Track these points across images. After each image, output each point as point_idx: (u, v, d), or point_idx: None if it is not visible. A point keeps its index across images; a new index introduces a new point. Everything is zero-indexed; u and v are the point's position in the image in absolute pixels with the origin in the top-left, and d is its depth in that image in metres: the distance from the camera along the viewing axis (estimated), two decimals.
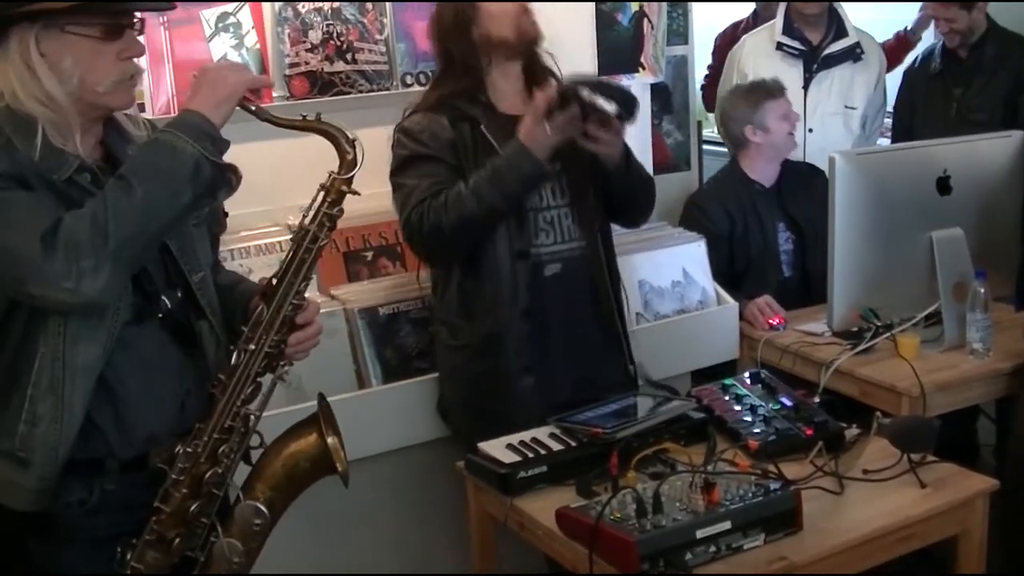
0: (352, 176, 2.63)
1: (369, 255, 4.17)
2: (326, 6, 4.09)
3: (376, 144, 3.57)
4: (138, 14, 2.50)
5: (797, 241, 4.76)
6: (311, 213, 2.63)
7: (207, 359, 2.65)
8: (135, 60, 2.50)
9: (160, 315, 2.55)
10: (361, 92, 4.17)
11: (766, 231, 4.74)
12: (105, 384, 2.46)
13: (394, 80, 4.24)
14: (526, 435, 3.22)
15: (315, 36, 4.07)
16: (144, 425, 2.53)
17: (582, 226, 3.64)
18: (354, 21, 4.15)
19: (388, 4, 4.20)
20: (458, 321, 3.63)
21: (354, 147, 2.62)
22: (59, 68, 2.35)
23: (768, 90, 4.79)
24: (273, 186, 3.99)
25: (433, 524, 4.01)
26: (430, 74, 4.26)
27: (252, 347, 2.58)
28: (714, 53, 6.74)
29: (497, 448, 3.16)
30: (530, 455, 3.12)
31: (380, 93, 4.21)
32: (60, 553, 2.50)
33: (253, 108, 2.58)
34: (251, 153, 3.57)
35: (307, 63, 4.07)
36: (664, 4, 4.92)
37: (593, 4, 4.53)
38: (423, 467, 3.94)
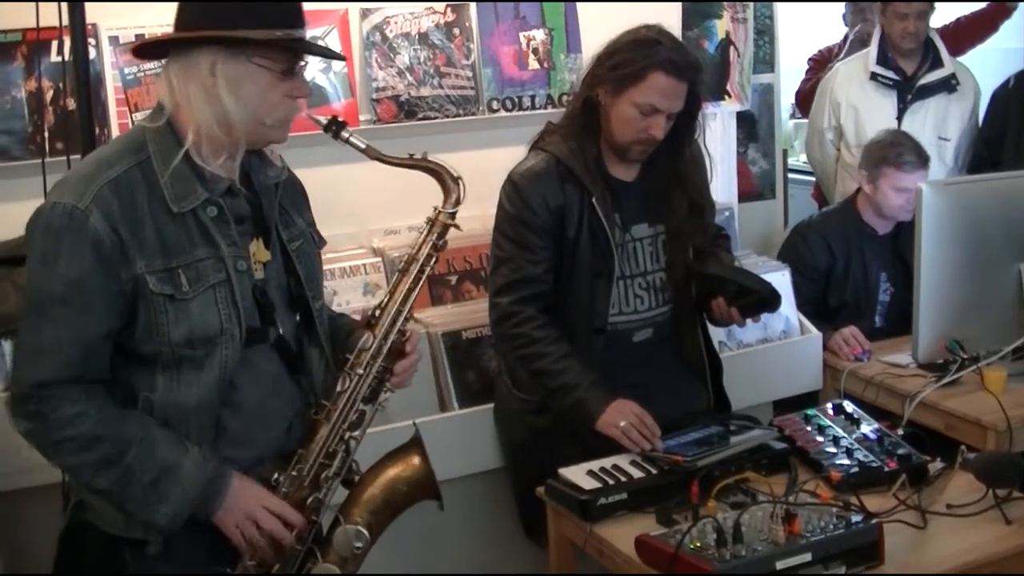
0: (456, 211, 2.73)
1: (453, 279, 4.20)
2: (414, 31, 4.13)
3: (462, 169, 3.58)
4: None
5: (895, 294, 4.69)
6: (418, 244, 2.72)
7: (314, 385, 2.69)
8: (299, 101, 2.56)
9: (271, 341, 2.59)
10: (447, 117, 4.20)
11: (868, 278, 4.69)
12: (208, 404, 2.49)
13: (480, 105, 4.27)
14: (607, 462, 3.23)
15: (402, 61, 4.11)
16: (252, 444, 2.58)
17: (677, 287, 3.61)
18: (441, 46, 4.19)
19: (475, 30, 4.23)
20: (523, 373, 3.60)
21: (458, 184, 2.73)
22: (237, 94, 2.42)
23: (896, 156, 4.60)
24: (359, 209, 4.03)
25: (512, 548, 4.01)
26: (516, 100, 4.29)
27: (360, 372, 2.63)
28: (808, 72, 6.68)
29: (578, 474, 3.16)
30: (610, 482, 3.12)
31: (466, 118, 4.24)
32: (156, 568, 2.53)
33: (363, 146, 2.65)
34: (337, 176, 3.63)
35: (394, 87, 4.11)
36: (751, 32, 4.91)
37: (680, 30, 4.53)
38: (503, 490, 3.94)
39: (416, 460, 2.80)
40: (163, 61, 2.50)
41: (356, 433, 2.66)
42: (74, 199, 2.35)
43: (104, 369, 2.43)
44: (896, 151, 4.61)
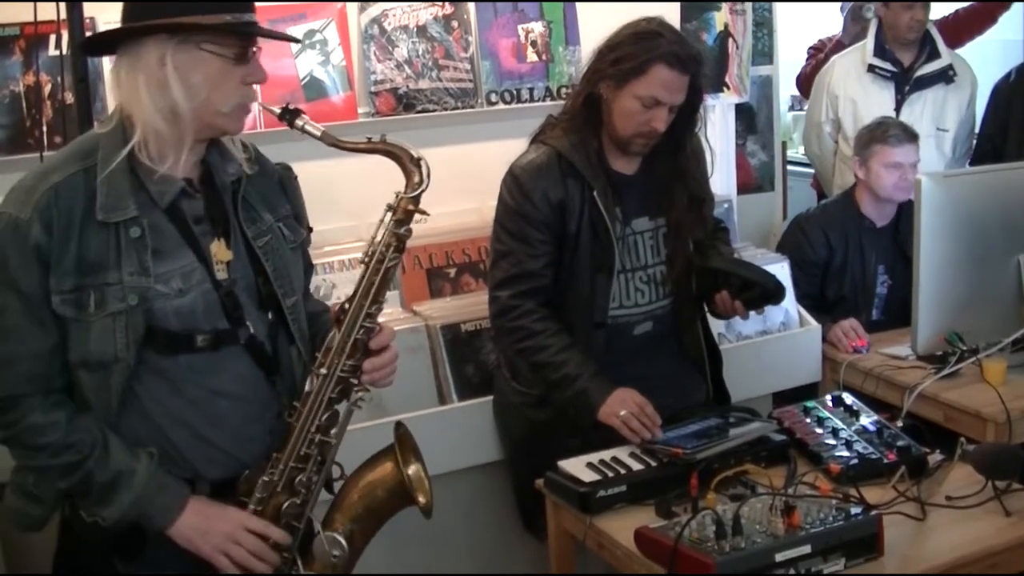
0: (418, 195, 2.59)
1: (452, 272, 4.20)
2: (412, 24, 4.12)
3: (460, 161, 3.59)
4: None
5: (892, 287, 4.70)
6: (379, 234, 2.60)
7: (296, 385, 2.65)
8: (255, 87, 2.52)
9: (242, 342, 2.54)
10: (446, 109, 4.20)
11: (866, 271, 4.69)
12: (182, 410, 2.48)
13: (479, 98, 4.27)
14: (606, 454, 3.23)
15: (401, 54, 4.11)
16: (230, 451, 2.54)
17: (677, 280, 3.60)
18: (440, 39, 4.18)
19: (473, 22, 4.23)
20: (523, 366, 3.60)
21: (419, 166, 2.59)
22: (188, 83, 2.37)
23: (882, 133, 4.65)
24: (357, 201, 4.03)
25: (512, 541, 4.02)
26: (514, 92, 4.29)
27: (324, 372, 2.55)
28: (810, 57, 6.68)
29: (577, 467, 3.16)
30: (610, 474, 3.12)
31: (465, 111, 4.24)
32: (144, 572, 2.53)
33: (318, 133, 2.57)
34: (335, 169, 3.62)
35: (393, 80, 4.10)
36: (750, 25, 4.90)
37: (678, 23, 4.52)
38: (502, 483, 3.95)
39: (390, 465, 2.73)
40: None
41: (330, 436, 2.59)
42: (17, 209, 2.34)
43: (64, 374, 2.42)
44: (881, 129, 4.66)
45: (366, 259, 2.59)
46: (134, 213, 2.38)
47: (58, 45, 3.56)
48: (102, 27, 3.68)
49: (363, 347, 2.58)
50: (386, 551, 3.32)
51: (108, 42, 2.46)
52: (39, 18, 3.33)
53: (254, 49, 2.48)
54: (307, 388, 2.57)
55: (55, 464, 2.39)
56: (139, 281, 2.38)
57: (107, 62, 3.67)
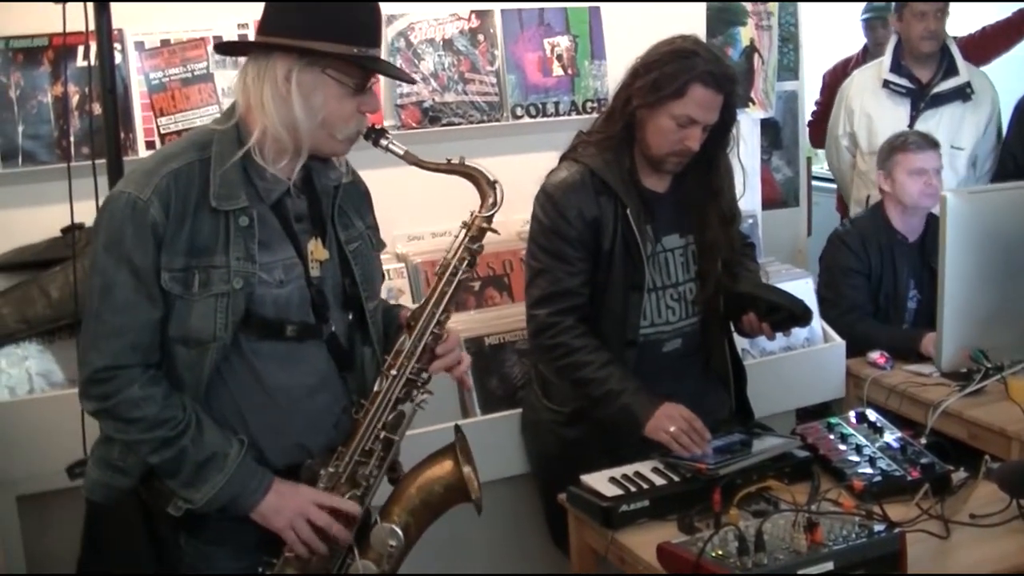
0: (492, 215, 2.75)
1: (476, 285, 4.19)
2: (438, 37, 4.14)
3: None
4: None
5: (921, 302, 4.69)
6: (453, 248, 2.75)
7: (366, 383, 2.76)
8: (367, 116, 2.65)
9: (324, 337, 2.67)
10: (471, 123, 4.21)
11: (898, 285, 4.68)
12: (262, 396, 2.60)
13: (504, 111, 4.27)
14: (629, 469, 3.22)
15: (427, 67, 4.12)
16: (298, 440, 2.66)
17: (707, 298, 3.59)
18: (466, 52, 4.19)
19: (499, 36, 4.24)
20: (555, 382, 3.60)
21: (495, 189, 2.75)
22: (308, 102, 2.51)
23: (902, 142, 4.68)
24: (382, 214, 3.99)
25: (532, 553, 4.02)
26: (540, 106, 4.29)
27: (394, 373, 2.69)
28: (823, 90, 6.68)
29: (600, 481, 3.16)
30: (633, 489, 3.11)
31: (490, 124, 4.24)
32: (209, 553, 2.63)
33: (402, 152, 2.69)
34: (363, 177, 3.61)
35: (418, 93, 4.11)
36: (775, 40, 4.90)
37: (704, 38, 4.51)
38: (525, 497, 3.94)
39: (449, 463, 2.84)
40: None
41: (396, 434, 2.71)
42: (137, 189, 2.46)
43: (160, 351, 2.53)
44: (900, 138, 4.71)
45: (440, 271, 2.75)
46: (245, 203, 2.53)
47: (86, 56, 3.57)
48: (130, 38, 3.72)
49: (430, 352, 2.73)
50: (407, 559, 3.32)
51: (238, 47, 2.66)
52: (67, 29, 3.35)
53: (373, 80, 2.63)
54: (376, 388, 2.70)
55: (147, 438, 2.50)
56: (245, 266, 2.52)
57: (135, 73, 3.72)
